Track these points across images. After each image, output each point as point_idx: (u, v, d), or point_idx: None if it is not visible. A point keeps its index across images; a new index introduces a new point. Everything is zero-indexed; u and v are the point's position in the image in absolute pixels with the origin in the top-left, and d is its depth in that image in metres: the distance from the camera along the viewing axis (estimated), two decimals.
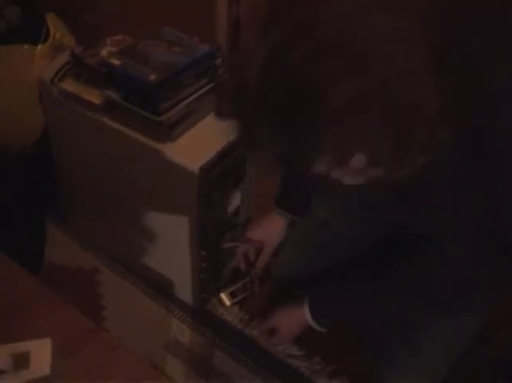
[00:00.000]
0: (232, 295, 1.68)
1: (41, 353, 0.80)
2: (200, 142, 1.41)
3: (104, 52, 1.47)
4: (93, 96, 1.45)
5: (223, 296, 1.67)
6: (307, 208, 1.53)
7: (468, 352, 1.30)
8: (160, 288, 1.75)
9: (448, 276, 1.13)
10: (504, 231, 0.98)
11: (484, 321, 1.27)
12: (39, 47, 1.71)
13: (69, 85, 1.50)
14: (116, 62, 1.33)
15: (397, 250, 1.28)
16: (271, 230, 1.53)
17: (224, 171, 1.45)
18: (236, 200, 1.60)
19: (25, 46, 1.70)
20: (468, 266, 1.09)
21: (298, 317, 1.37)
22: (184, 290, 1.69)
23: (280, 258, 1.60)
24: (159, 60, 1.34)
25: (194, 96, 1.38)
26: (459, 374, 1.35)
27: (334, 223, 1.52)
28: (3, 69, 1.71)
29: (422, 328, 1.28)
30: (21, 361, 0.79)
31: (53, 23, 1.77)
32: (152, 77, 1.28)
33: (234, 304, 1.67)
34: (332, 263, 1.53)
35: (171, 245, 1.59)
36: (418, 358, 1.31)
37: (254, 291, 1.70)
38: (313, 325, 1.35)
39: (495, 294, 1.17)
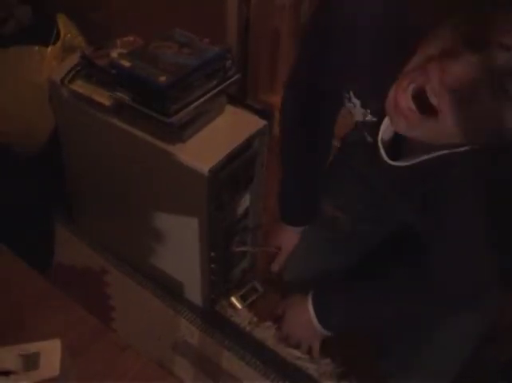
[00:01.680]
0: (243, 298, 1.69)
1: (50, 353, 0.80)
2: (210, 144, 1.41)
3: (114, 53, 1.47)
4: (103, 98, 1.45)
5: (234, 300, 1.68)
6: (314, 217, 1.55)
7: (476, 352, 1.30)
8: (169, 289, 1.75)
9: (451, 276, 1.13)
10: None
11: (492, 322, 1.27)
12: (49, 48, 1.72)
13: (79, 87, 1.51)
14: (126, 64, 1.33)
15: (402, 251, 1.28)
16: (287, 236, 1.55)
17: (234, 172, 1.45)
18: (245, 202, 1.60)
19: (36, 47, 1.71)
20: (469, 266, 1.09)
21: (303, 311, 1.38)
22: (193, 292, 1.69)
23: (291, 258, 1.61)
24: (169, 61, 1.34)
25: (205, 97, 1.38)
26: (467, 374, 1.35)
27: (344, 221, 1.53)
28: (14, 70, 1.72)
29: (430, 328, 1.28)
30: (31, 362, 0.79)
31: (63, 24, 1.78)
32: (162, 79, 1.28)
33: (245, 307, 1.69)
34: (342, 264, 1.54)
35: (180, 246, 1.59)
36: (426, 359, 1.31)
37: (260, 291, 1.72)
38: (317, 324, 1.36)
39: (497, 293, 1.18)
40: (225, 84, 1.43)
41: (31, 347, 0.81)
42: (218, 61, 1.39)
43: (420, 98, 0.78)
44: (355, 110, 1.11)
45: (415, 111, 0.79)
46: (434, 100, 0.76)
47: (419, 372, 1.34)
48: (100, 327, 1.04)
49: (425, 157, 0.95)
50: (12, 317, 1.01)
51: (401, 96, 0.80)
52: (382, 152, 1.02)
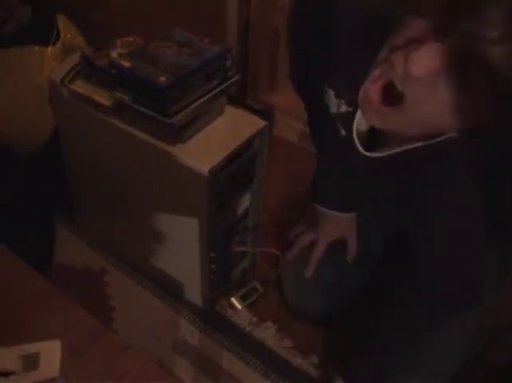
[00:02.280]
0: (243, 298, 1.69)
1: (50, 354, 0.80)
2: (210, 144, 1.41)
3: (114, 53, 1.47)
4: (103, 98, 1.45)
5: (234, 300, 1.68)
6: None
7: (476, 352, 1.30)
8: (169, 289, 1.75)
9: (450, 275, 1.13)
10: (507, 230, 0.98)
11: (492, 322, 1.27)
12: (49, 48, 1.72)
13: (79, 87, 1.51)
14: (126, 64, 1.33)
15: (403, 252, 1.28)
16: (345, 224, 1.52)
17: (234, 173, 1.45)
18: (245, 202, 1.60)
19: (36, 48, 1.71)
20: (470, 265, 1.09)
21: None
22: (193, 292, 1.69)
23: (291, 263, 1.61)
24: (169, 61, 1.34)
25: (205, 98, 1.38)
26: (467, 374, 1.35)
27: None
28: (14, 70, 1.72)
29: (430, 328, 1.28)
30: (31, 362, 0.79)
31: (63, 24, 1.78)
32: (162, 79, 1.28)
33: (245, 307, 1.69)
34: (343, 264, 1.54)
35: (180, 246, 1.59)
36: (426, 359, 1.31)
37: (260, 291, 1.72)
38: None
39: (497, 293, 1.17)
40: (225, 84, 1.43)
41: (31, 347, 0.81)
42: (218, 61, 1.39)
43: (389, 90, 0.79)
44: (329, 101, 1.11)
45: (381, 103, 0.80)
46: (400, 87, 0.76)
47: (419, 372, 1.34)
48: (100, 327, 1.04)
49: (397, 149, 0.93)
50: (12, 317, 1.01)
51: (371, 88, 0.80)
52: (356, 142, 1.00)
